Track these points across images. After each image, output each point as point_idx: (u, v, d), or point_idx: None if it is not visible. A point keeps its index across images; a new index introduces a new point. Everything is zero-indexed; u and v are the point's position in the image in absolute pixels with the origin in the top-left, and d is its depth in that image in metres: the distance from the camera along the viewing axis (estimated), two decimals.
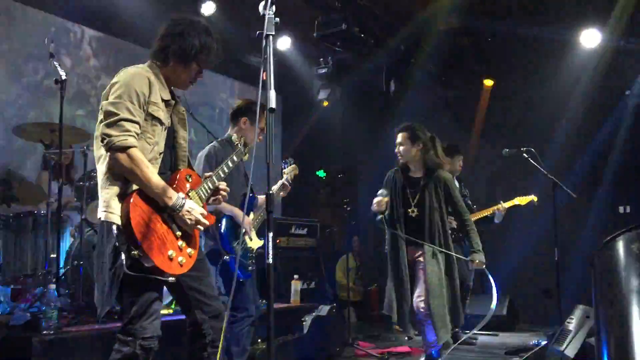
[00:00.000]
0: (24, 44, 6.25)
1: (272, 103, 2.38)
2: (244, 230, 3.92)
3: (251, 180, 2.86)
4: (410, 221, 4.48)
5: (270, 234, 2.44)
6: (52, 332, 3.85)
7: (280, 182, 4.25)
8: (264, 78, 2.51)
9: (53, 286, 4.07)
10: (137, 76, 2.64)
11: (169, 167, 2.83)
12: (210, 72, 8.21)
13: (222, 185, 2.94)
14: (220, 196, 2.95)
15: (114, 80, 2.64)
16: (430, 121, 7.90)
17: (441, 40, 7.63)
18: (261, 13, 2.65)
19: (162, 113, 2.70)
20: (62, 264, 4.98)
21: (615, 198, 7.36)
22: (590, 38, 7.13)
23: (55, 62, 4.61)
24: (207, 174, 2.94)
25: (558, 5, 7.12)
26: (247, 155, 3.39)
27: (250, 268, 3.97)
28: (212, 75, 8.30)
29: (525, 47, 7.59)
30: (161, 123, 2.70)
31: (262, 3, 2.66)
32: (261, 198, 4.27)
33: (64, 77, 4.50)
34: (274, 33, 2.56)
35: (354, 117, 9.28)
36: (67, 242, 5.30)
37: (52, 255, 4.84)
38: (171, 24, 2.81)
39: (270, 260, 2.42)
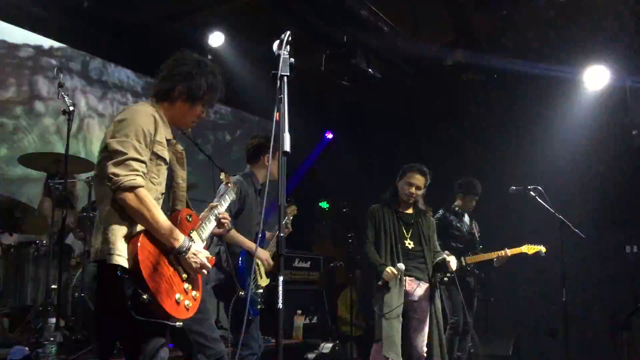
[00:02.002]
0: None
1: (287, 146, 2.34)
2: (255, 266, 3.90)
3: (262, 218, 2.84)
4: (408, 253, 4.58)
5: (281, 277, 2.39)
6: None
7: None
8: (277, 119, 2.48)
9: (53, 320, 4.00)
10: (144, 114, 2.59)
11: (168, 207, 2.77)
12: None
13: (224, 214, 2.91)
14: (225, 225, 2.93)
15: (120, 117, 2.58)
16: (434, 156, 7.98)
17: (447, 76, 7.66)
18: (275, 52, 2.63)
19: (166, 152, 2.66)
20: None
21: (622, 238, 7.28)
22: (596, 76, 7.14)
23: (63, 93, 4.61)
24: (204, 214, 2.90)
25: (564, 44, 7.16)
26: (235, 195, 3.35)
27: (259, 306, 3.93)
28: (220, 107, 8.32)
29: (530, 84, 7.61)
30: (165, 162, 2.66)
31: (277, 42, 2.64)
32: (269, 234, 4.26)
33: (71, 109, 4.50)
34: (288, 74, 2.53)
35: (360, 149, 9.28)
36: (68, 273, 5.23)
37: (52, 287, 4.78)
38: (177, 64, 2.78)
39: (281, 305, 2.36)
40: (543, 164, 7.44)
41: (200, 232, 2.77)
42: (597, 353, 5.99)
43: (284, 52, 2.57)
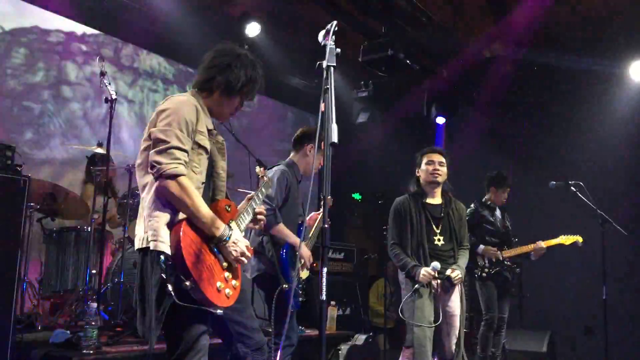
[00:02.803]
0: None
1: (334, 137, 2.32)
2: (300, 261, 3.90)
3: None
4: (437, 251, 4.26)
5: (325, 269, 2.38)
6: (91, 351, 3.84)
7: (317, 214, 4.24)
8: (323, 110, 2.46)
9: (94, 304, 4.07)
10: (186, 104, 2.61)
11: (208, 197, 2.77)
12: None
13: (260, 209, 2.90)
14: (262, 222, 2.91)
15: (163, 107, 2.60)
16: (470, 148, 7.89)
17: (487, 69, 7.55)
18: (321, 42, 2.60)
19: (207, 142, 2.66)
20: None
21: None
22: None
23: (105, 81, 4.67)
24: (243, 204, 2.90)
25: (608, 37, 6.99)
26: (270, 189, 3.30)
27: (301, 299, 3.94)
28: (256, 97, 8.32)
29: (574, 79, 7.45)
30: (206, 152, 2.67)
31: (322, 32, 2.61)
32: (307, 221, 4.24)
33: (114, 97, 4.55)
34: (334, 64, 2.50)
35: (394, 141, 9.21)
36: (109, 258, 5.32)
37: (93, 272, 4.88)
38: (217, 55, 2.78)
39: (324, 297, 2.36)
40: (585, 159, 7.31)
41: (239, 223, 2.77)
42: (637, 353, 5.86)
43: (330, 42, 2.55)
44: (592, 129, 7.48)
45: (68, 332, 4.15)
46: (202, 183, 2.66)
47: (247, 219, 2.83)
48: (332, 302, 6.50)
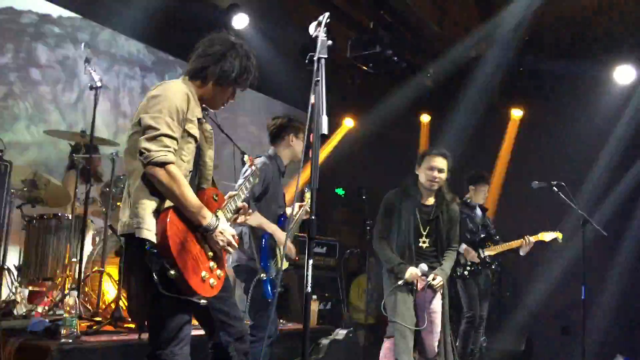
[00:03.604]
0: None
1: (324, 129, 2.31)
2: (281, 250, 3.89)
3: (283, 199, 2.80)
4: (421, 252, 4.26)
5: (311, 261, 2.37)
6: (70, 340, 3.78)
7: (302, 207, 4.22)
8: (313, 102, 2.45)
9: (75, 293, 4.02)
10: (178, 92, 2.59)
11: (194, 185, 2.76)
12: None
13: (244, 204, 2.89)
14: (245, 215, 2.91)
15: (154, 93, 2.58)
16: (455, 147, 7.92)
17: (472, 68, 7.60)
18: (312, 34, 2.59)
19: (196, 131, 2.64)
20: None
21: None
22: (625, 74, 7.08)
23: (90, 68, 4.60)
24: (231, 193, 2.89)
25: (593, 41, 7.07)
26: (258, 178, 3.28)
27: (279, 289, 3.93)
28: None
29: (558, 81, 7.53)
30: (196, 140, 2.65)
31: (314, 24, 2.61)
32: (289, 212, 4.23)
33: (99, 84, 4.49)
34: (326, 56, 2.49)
35: (378, 137, 9.23)
36: (88, 247, 5.26)
37: (73, 260, 4.82)
38: (212, 44, 2.75)
39: (309, 289, 2.35)
40: (568, 160, 7.38)
41: (226, 212, 2.77)
42: (614, 353, 5.94)
43: (322, 34, 2.54)
44: (576, 130, 7.55)
45: (47, 320, 4.09)
46: (190, 171, 2.64)
47: (234, 207, 2.82)
48: (314, 296, 6.51)
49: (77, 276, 4.57)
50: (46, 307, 4.63)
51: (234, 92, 2.83)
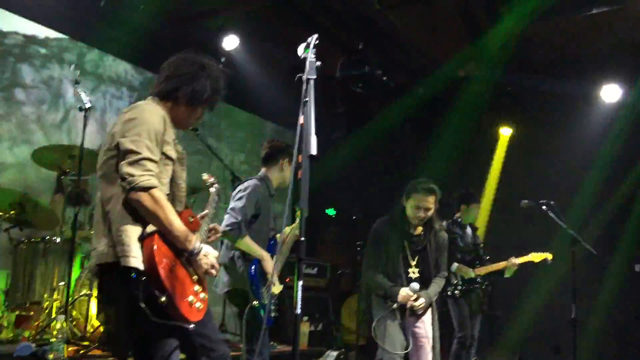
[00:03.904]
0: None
1: (313, 149, 2.32)
2: (270, 276, 3.86)
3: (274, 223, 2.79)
4: (411, 282, 4.19)
5: (300, 282, 2.36)
6: None
7: (292, 229, 4.21)
8: (302, 122, 2.45)
9: (62, 317, 3.97)
10: (155, 114, 2.56)
11: None
12: (229, 106, 8.24)
13: (214, 225, 2.87)
14: (216, 235, 2.87)
15: (129, 115, 2.53)
16: (445, 167, 7.95)
17: (460, 88, 7.67)
18: (301, 56, 2.61)
19: (173, 152, 2.62)
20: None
21: (632, 256, 7.24)
22: (611, 93, 7.17)
23: (79, 90, 4.60)
24: (202, 213, 2.86)
25: (580, 59, 7.16)
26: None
27: (273, 315, 3.90)
28: (232, 110, 8.30)
29: (546, 100, 7.61)
30: (173, 162, 2.62)
31: (302, 45, 2.63)
32: (279, 237, 4.22)
33: (88, 105, 4.48)
34: (315, 77, 2.51)
35: (368, 157, 9.25)
36: (78, 270, 5.20)
37: (61, 284, 4.77)
38: (182, 64, 2.74)
39: (299, 311, 2.34)
40: (556, 179, 7.43)
41: (202, 234, 2.74)
42: None
43: (311, 56, 2.56)
44: (564, 149, 7.62)
45: (34, 345, 4.04)
46: (167, 194, 2.59)
47: (206, 229, 2.80)
48: (305, 318, 6.46)
49: (65, 300, 4.53)
50: (33, 332, 4.56)
51: (202, 112, 2.82)
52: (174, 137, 2.68)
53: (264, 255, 3.90)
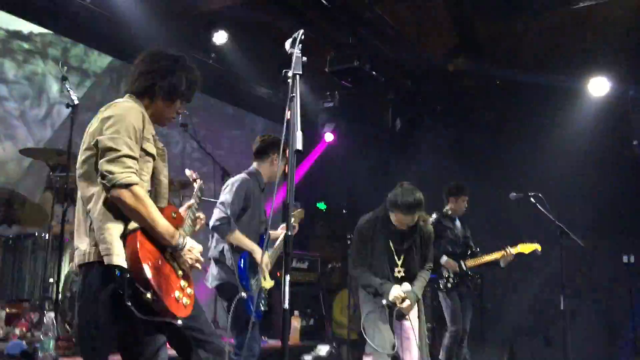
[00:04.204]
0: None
1: (299, 144, 2.32)
2: (261, 268, 3.87)
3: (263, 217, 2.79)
4: (397, 281, 4.19)
5: (287, 277, 2.37)
6: None
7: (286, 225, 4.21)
8: (289, 118, 2.46)
9: (51, 314, 3.96)
10: (133, 111, 2.54)
11: None
12: (220, 102, 8.23)
13: (201, 214, 2.86)
14: (201, 222, 2.86)
15: (107, 114, 2.51)
16: (433, 160, 7.99)
17: (449, 81, 7.69)
18: (288, 51, 2.61)
19: (153, 149, 2.61)
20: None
21: (619, 247, 7.31)
22: (599, 86, 7.21)
23: (67, 86, 4.58)
24: (188, 203, 2.86)
25: (567, 53, 7.20)
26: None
27: (262, 309, 3.90)
28: (223, 106, 8.28)
29: (534, 93, 7.64)
30: (153, 159, 2.62)
31: (289, 41, 2.62)
32: (273, 234, 4.24)
33: (75, 102, 4.46)
34: (301, 72, 2.51)
35: (358, 151, 9.28)
36: (66, 267, 5.18)
37: (50, 280, 4.75)
38: (155, 59, 2.71)
39: (287, 306, 2.34)
40: (544, 171, 7.48)
41: (186, 229, 2.73)
42: None
43: (297, 51, 2.55)
44: (552, 142, 7.67)
45: (24, 342, 4.04)
46: (148, 191, 2.59)
47: (190, 224, 2.79)
48: (296, 312, 6.48)
49: (54, 297, 4.51)
50: (24, 329, 4.55)
51: (182, 106, 2.80)
52: (154, 133, 2.66)
53: (254, 247, 3.91)
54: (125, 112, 2.51)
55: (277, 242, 4.20)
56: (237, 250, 3.92)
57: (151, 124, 2.66)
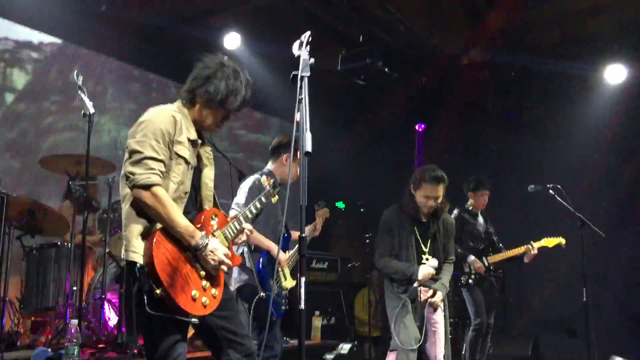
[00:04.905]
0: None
1: (308, 146, 2.34)
2: (278, 268, 3.90)
3: (285, 218, 2.84)
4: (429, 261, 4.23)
5: (303, 278, 2.39)
6: None
7: (312, 225, 4.25)
8: (298, 120, 2.47)
9: (75, 321, 4.02)
10: (163, 115, 2.64)
11: (195, 206, 2.80)
12: None
13: (248, 226, 2.89)
14: (245, 236, 2.90)
15: (141, 119, 2.65)
16: (449, 155, 7.95)
17: (464, 75, 7.64)
18: (295, 54, 2.63)
19: (187, 152, 2.67)
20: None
21: None
22: (616, 74, 7.11)
23: (83, 96, 4.63)
24: (232, 215, 2.91)
25: (583, 41, 7.11)
26: (277, 197, 3.32)
27: (283, 308, 3.94)
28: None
29: (550, 83, 7.56)
30: (187, 162, 2.68)
31: (296, 43, 2.64)
32: (295, 234, 4.26)
33: (92, 111, 4.51)
34: (309, 74, 2.52)
35: (374, 148, 9.26)
36: (88, 275, 5.27)
37: (74, 288, 4.82)
38: (201, 66, 2.79)
39: (303, 306, 2.36)
40: (562, 162, 7.41)
41: (227, 232, 2.78)
42: (619, 354, 5.92)
43: (304, 53, 2.57)
44: (569, 132, 7.59)
45: (49, 350, 4.11)
46: (186, 193, 2.68)
47: (235, 229, 2.83)
48: (317, 312, 6.50)
49: (78, 304, 4.58)
50: (49, 337, 4.64)
51: (227, 115, 2.83)
52: (194, 138, 2.72)
53: (271, 245, 3.93)
54: (155, 116, 2.63)
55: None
56: (256, 250, 3.95)
57: (192, 127, 2.73)
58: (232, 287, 4.06)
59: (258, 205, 3.04)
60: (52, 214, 5.10)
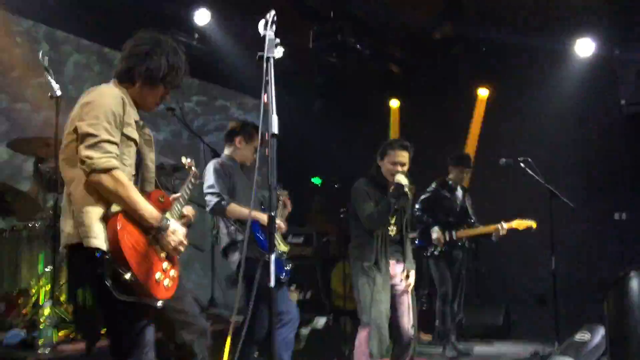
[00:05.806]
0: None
1: (275, 128, 2.35)
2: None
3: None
4: (390, 240, 4.31)
5: (273, 256, 2.41)
6: (47, 351, 3.79)
7: (280, 204, 4.30)
8: (265, 101, 2.47)
9: (49, 303, 4.01)
10: (112, 96, 2.55)
11: (137, 189, 2.69)
12: (203, 81, 8.19)
13: (188, 209, 2.90)
14: (186, 219, 2.89)
15: (87, 99, 2.53)
16: (425, 131, 8.00)
17: (435, 50, 7.65)
18: (261, 33, 2.61)
19: (135, 134, 2.62)
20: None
21: (611, 205, 7.39)
22: (585, 47, 7.20)
23: (49, 77, 4.54)
24: (175, 195, 2.88)
25: (553, 15, 7.16)
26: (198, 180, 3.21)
27: (289, 266, 4.11)
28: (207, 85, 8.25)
29: (520, 56, 7.62)
30: (136, 143, 2.63)
31: (262, 22, 2.61)
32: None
33: (58, 93, 4.43)
34: (274, 55, 2.51)
35: (348, 125, 9.27)
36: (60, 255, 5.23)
37: (46, 269, 4.79)
38: (137, 43, 2.69)
39: (273, 284, 2.39)
40: (532, 135, 7.51)
41: (173, 214, 2.77)
42: (587, 320, 6.10)
43: (270, 33, 2.55)
44: (540, 105, 7.69)
45: (23, 332, 4.09)
46: (133, 175, 2.62)
47: (180, 209, 2.84)
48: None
49: (52, 285, 4.56)
50: (23, 319, 4.61)
51: (167, 92, 2.77)
52: (137, 119, 2.67)
53: (256, 214, 3.96)
54: (105, 97, 2.53)
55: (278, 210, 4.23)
56: (243, 223, 4.03)
57: (134, 108, 2.66)
58: (235, 267, 4.11)
59: (189, 188, 3.00)
60: (23, 196, 5.04)
